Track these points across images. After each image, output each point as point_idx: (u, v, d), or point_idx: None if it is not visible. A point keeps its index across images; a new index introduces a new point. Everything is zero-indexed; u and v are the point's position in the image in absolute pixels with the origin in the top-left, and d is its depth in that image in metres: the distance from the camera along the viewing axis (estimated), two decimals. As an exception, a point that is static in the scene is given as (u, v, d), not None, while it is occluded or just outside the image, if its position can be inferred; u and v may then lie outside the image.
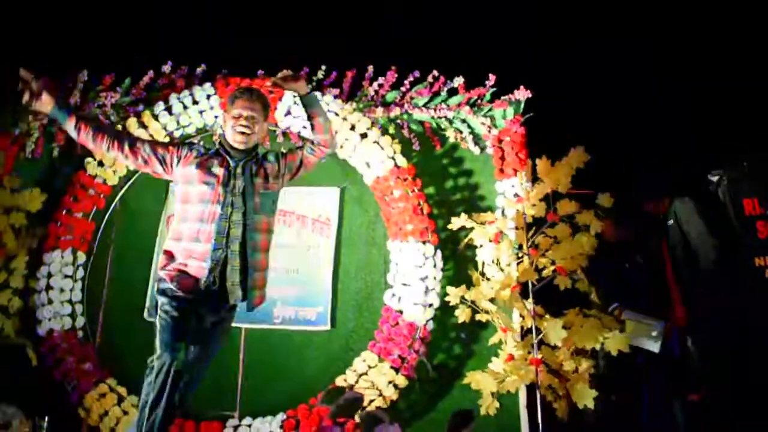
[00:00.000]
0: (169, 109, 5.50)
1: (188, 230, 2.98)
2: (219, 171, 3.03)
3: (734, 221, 4.75)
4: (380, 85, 5.47)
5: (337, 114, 5.32)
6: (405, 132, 5.40)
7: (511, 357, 4.55)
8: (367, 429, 4.18)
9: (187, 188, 3.05)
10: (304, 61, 5.57)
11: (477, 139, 5.34)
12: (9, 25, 5.77)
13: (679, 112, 5.74)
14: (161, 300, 2.97)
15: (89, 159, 5.39)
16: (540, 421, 4.45)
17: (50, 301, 5.10)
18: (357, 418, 4.36)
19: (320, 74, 5.51)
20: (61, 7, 6.10)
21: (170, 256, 2.99)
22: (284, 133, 5.53)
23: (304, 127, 5.38)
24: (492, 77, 5.26)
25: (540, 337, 4.47)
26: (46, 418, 4.59)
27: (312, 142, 3.22)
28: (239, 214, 2.99)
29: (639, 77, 5.83)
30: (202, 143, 3.39)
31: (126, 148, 3.07)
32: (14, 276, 5.05)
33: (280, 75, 3.07)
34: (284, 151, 3.27)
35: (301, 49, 5.93)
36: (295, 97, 5.35)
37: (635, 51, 5.84)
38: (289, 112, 5.42)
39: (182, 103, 5.52)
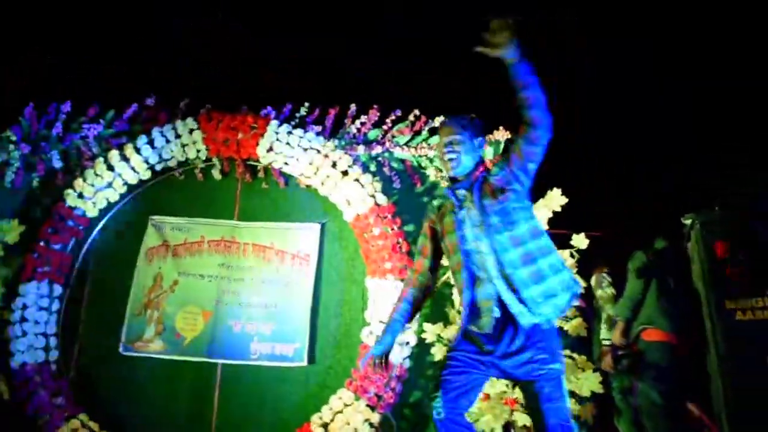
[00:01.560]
0: (151, 143, 5.52)
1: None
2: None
3: (705, 265, 4.85)
4: (362, 123, 5.54)
5: (319, 151, 5.37)
6: (386, 170, 5.46)
7: (487, 396, 4.57)
8: None
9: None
10: (287, 98, 5.67)
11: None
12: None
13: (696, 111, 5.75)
14: None
15: (69, 191, 5.37)
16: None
17: (24, 333, 5.02)
18: None
19: (303, 110, 5.58)
20: (46, 37, 6.13)
21: None
22: (266, 169, 5.56)
23: (286, 164, 5.44)
24: (471, 117, 5.33)
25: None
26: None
27: (525, 125, 2.76)
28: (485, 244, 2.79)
29: (648, 77, 5.89)
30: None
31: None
32: (-12, 307, 5.01)
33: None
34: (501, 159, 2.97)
35: (284, 84, 6.02)
36: (278, 133, 5.41)
37: (646, 50, 5.90)
38: (271, 148, 5.45)
39: (165, 136, 5.54)
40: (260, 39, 6.33)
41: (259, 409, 5.10)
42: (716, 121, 5.72)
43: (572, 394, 4.36)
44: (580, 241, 4.68)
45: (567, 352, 4.50)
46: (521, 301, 2.69)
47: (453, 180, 3.00)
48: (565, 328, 4.57)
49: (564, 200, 4.77)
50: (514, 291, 2.70)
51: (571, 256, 4.66)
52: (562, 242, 4.69)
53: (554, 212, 4.81)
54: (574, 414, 4.30)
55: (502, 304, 2.74)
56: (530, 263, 2.73)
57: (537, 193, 4.80)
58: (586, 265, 4.83)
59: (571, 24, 5.93)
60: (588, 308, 5.21)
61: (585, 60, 5.93)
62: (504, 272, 2.72)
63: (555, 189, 4.81)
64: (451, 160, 2.94)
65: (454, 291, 4.82)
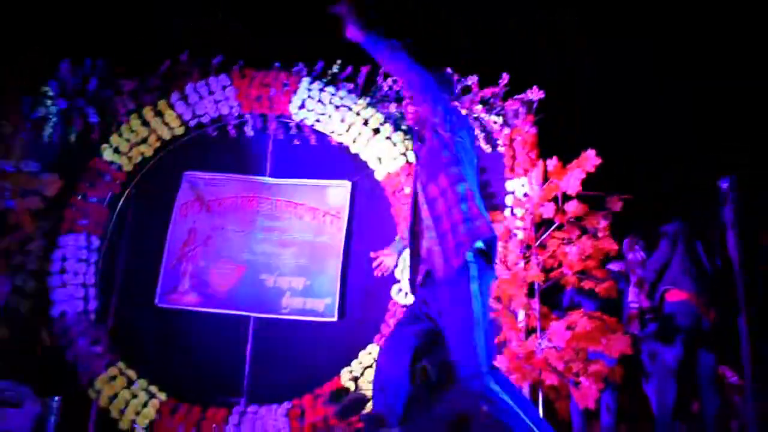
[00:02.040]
0: (185, 99, 5.56)
1: None
2: None
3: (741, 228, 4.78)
4: (395, 81, 5.50)
5: (350, 108, 5.37)
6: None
7: (515, 356, 4.60)
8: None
9: None
10: (319, 55, 5.65)
11: (488, 137, 5.37)
12: (31, 11, 5.84)
13: (696, 111, 5.70)
14: None
15: (105, 145, 5.47)
16: (541, 420, 4.52)
17: (64, 284, 5.19)
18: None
19: (335, 68, 5.57)
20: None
21: None
22: (298, 126, 5.58)
23: (318, 121, 5.45)
24: (505, 76, 5.29)
25: (544, 337, 4.53)
26: (57, 398, 4.70)
27: None
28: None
29: (648, 77, 5.81)
30: None
31: None
32: (30, 258, 5.14)
33: None
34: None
35: (317, 43, 5.98)
36: (310, 90, 5.41)
37: (646, 50, 5.82)
38: (303, 105, 5.45)
39: (198, 92, 5.57)
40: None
41: (290, 363, 5.20)
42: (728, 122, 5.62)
43: (601, 354, 4.37)
44: (615, 203, 4.63)
45: (598, 313, 4.51)
46: None
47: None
48: (596, 290, 4.56)
49: (598, 161, 4.70)
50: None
51: (604, 218, 4.62)
52: (597, 204, 4.67)
53: (588, 173, 4.75)
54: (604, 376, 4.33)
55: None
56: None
57: (570, 153, 4.77)
58: (619, 227, 4.79)
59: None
60: (619, 271, 5.18)
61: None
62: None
63: (589, 149, 4.74)
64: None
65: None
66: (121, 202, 5.58)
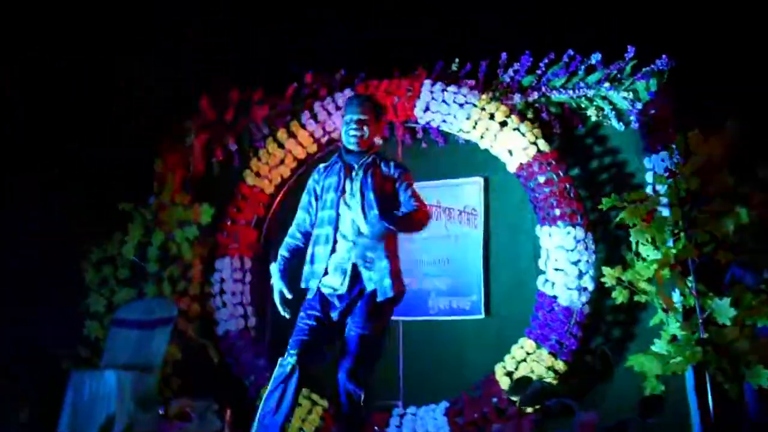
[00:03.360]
0: (314, 117, 5.79)
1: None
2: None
3: None
4: (516, 71, 5.45)
5: (475, 105, 5.37)
6: (545, 116, 5.35)
7: (675, 338, 4.41)
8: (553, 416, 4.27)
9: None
10: (437, 56, 5.70)
11: (620, 115, 5.18)
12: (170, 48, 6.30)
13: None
14: None
15: (247, 170, 5.81)
16: (711, 403, 4.30)
17: (224, 304, 5.58)
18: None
19: (454, 66, 5.60)
20: (213, 35, 6.51)
21: None
22: (424, 129, 5.66)
23: (444, 121, 5.49)
24: (631, 49, 5.08)
25: (705, 315, 4.32)
26: (229, 411, 5.03)
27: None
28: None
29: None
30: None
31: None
32: (192, 284, 5.56)
33: None
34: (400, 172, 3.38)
35: (433, 44, 6.04)
36: (433, 92, 5.48)
37: None
38: (428, 108, 5.53)
39: (326, 109, 5.79)
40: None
41: (442, 363, 5.27)
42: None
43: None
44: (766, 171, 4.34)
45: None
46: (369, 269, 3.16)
47: (345, 148, 3.38)
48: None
49: (743, 129, 4.43)
50: (366, 259, 3.16)
51: (756, 187, 4.34)
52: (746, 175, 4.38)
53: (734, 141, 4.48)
54: None
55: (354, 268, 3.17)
56: (382, 242, 3.14)
57: (710, 122, 4.52)
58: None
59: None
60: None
61: None
62: (360, 240, 3.16)
63: (734, 118, 4.47)
64: (354, 137, 3.32)
65: (631, 231, 4.64)
66: (266, 222, 5.90)
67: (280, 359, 3.12)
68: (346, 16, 6.42)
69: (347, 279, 3.17)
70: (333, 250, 3.24)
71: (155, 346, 4.85)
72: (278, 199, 5.92)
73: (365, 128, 3.34)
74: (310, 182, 3.48)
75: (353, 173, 3.30)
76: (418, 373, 5.31)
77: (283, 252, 3.53)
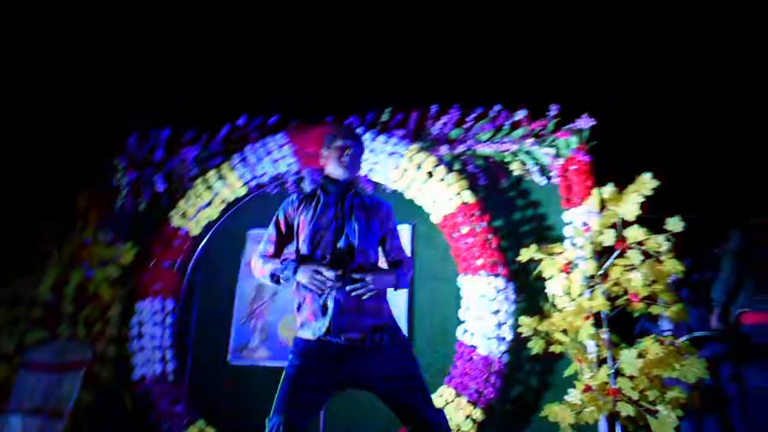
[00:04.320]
0: (245, 160, 5.80)
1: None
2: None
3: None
4: (444, 124, 5.60)
5: (403, 155, 5.48)
6: (470, 168, 5.50)
7: (588, 387, 4.50)
8: None
9: None
10: (369, 105, 5.82)
11: (542, 170, 5.38)
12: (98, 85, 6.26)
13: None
14: None
15: (173, 212, 5.75)
16: (621, 452, 4.40)
17: (142, 348, 5.43)
18: None
19: (385, 116, 5.73)
20: (142, 71, 6.53)
21: None
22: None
23: (371, 170, 5.58)
24: (554, 107, 5.32)
25: (616, 366, 4.43)
26: (143, 459, 4.88)
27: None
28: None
29: (704, 97, 5.70)
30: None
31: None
32: (110, 325, 5.41)
33: None
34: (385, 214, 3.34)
35: (366, 93, 6.17)
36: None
37: (698, 70, 5.72)
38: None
39: (257, 153, 5.81)
40: (336, 49, 6.51)
41: (364, 412, 5.23)
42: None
43: (677, 380, 4.24)
44: (675, 224, 4.53)
45: (670, 337, 4.39)
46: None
47: (328, 178, 3.24)
48: (666, 314, 4.44)
49: (655, 183, 4.63)
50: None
51: (667, 240, 4.53)
52: (656, 226, 4.58)
53: (647, 197, 4.67)
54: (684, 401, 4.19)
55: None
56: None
57: (626, 178, 4.72)
58: (684, 248, 4.67)
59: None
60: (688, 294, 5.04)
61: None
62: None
63: (645, 173, 4.68)
64: (347, 164, 3.19)
65: (548, 283, 4.77)
66: (190, 264, 5.82)
67: None
68: (283, 61, 6.52)
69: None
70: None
71: (66, 391, 4.70)
72: (204, 241, 5.86)
73: (358, 157, 3.28)
74: (280, 214, 3.26)
75: (338, 204, 3.16)
76: (340, 419, 5.25)
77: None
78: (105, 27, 6.32)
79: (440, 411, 3.05)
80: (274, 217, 3.27)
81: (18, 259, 5.51)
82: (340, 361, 2.94)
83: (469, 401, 4.84)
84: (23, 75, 5.87)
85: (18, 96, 5.90)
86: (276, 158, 5.80)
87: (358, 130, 5.65)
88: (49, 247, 5.56)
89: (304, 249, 3.08)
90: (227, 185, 5.80)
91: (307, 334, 3.00)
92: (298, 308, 3.08)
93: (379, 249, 3.29)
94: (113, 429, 5.16)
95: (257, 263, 3.21)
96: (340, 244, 3.03)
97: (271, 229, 3.26)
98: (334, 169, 3.22)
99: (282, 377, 2.94)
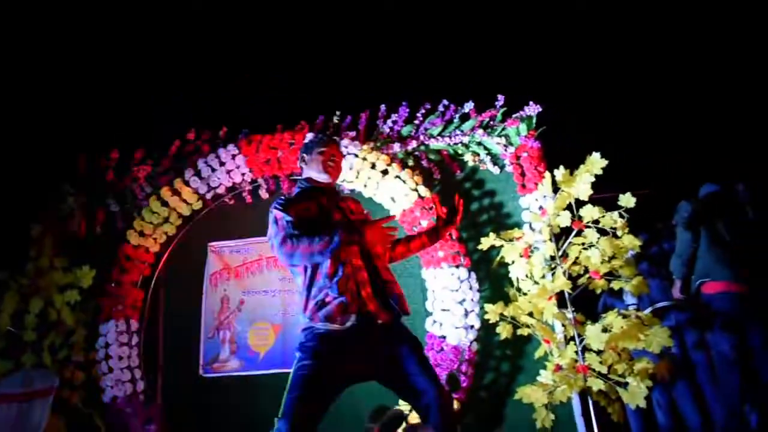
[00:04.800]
0: (198, 174, 5.77)
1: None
2: None
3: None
4: (394, 122, 5.66)
5: (356, 155, 5.52)
6: (424, 163, 5.57)
7: (558, 367, 4.60)
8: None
9: None
10: (318, 110, 5.85)
11: (495, 159, 5.49)
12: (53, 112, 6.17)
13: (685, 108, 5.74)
14: None
15: (130, 231, 5.67)
16: (596, 428, 4.50)
17: (111, 369, 5.34)
18: None
19: (335, 119, 5.76)
20: (87, 96, 6.45)
21: None
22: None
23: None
24: (501, 98, 5.42)
25: (583, 344, 4.54)
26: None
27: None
28: None
29: (643, 75, 5.87)
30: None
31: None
32: (75, 350, 5.31)
33: None
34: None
35: (314, 99, 6.20)
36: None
37: (636, 50, 5.89)
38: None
39: (210, 166, 5.78)
40: (280, 57, 6.53)
41: (338, 412, 5.23)
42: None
43: (644, 352, 4.36)
44: (628, 200, 4.67)
45: (632, 310, 4.51)
46: None
47: (311, 182, 3.30)
48: (627, 288, 4.56)
49: (604, 163, 4.76)
50: None
51: (621, 216, 4.65)
52: (610, 204, 4.71)
53: (596, 176, 4.80)
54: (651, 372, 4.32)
55: None
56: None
57: (576, 160, 4.84)
58: (636, 224, 4.81)
59: None
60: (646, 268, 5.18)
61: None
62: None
63: (594, 153, 4.80)
64: (333, 170, 3.28)
65: (511, 268, 4.86)
66: (152, 282, 5.76)
67: None
68: (228, 73, 6.51)
69: None
70: None
71: (35, 419, 4.60)
72: (164, 257, 5.80)
73: (340, 162, 3.36)
74: (281, 209, 3.06)
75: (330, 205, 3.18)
76: (324, 424, 5.24)
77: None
78: (51, 49, 6.23)
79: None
80: (278, 213, 3.06)
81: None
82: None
83: (443, 392, 4.88)
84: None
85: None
86: (230, 169, 5.78)
87: (309, 135, 5.67)
88: (3, 277, 5.42)
89: None
90: (183, 200, 5.74)
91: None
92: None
93: None
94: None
95: (296, 242, 2.94)
96: None
97: (286, 219, 3.03)
98: (317, 174, 3.28)
99: None
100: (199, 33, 6.63)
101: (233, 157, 5.77)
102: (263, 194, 5.81)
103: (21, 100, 6.06)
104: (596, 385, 4.47)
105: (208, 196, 5.82)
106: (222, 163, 5.78)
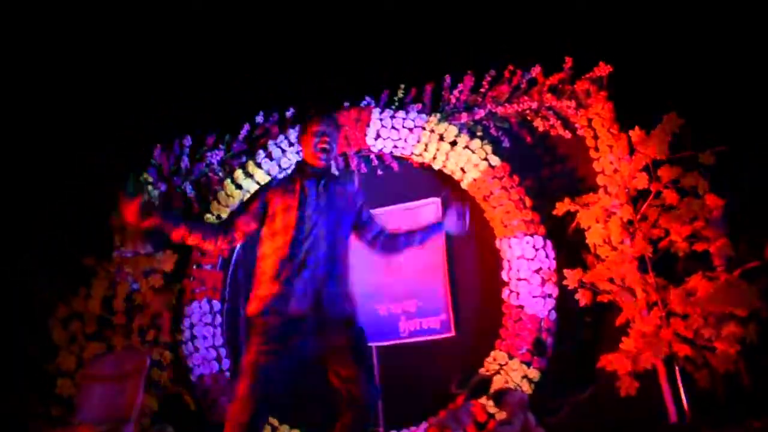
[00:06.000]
0: (269, 155, 5.86)
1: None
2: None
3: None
4: (460, 92, 5.59)
5: (424, 128, 5.49)
6: (493, 131, 5.48)
7: (642, 333, 4.49)
8: (499, 402, 4.43)
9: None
10: (384, 85, 5.83)
11: (565, 124, 5.34)
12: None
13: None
14: None
15: (207, 215, 5.83)
16: (683, 394, 4.39)
17: (197, 349, 5.55)
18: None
19: (400, 93, 5.73)
20: (159, 87, 6.62)
21: None
22: (378, 156, 5.75)
23: (395, 147, 5.60)
24: (568, 59, 5.27)
25: (667, 308, 4.41)
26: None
27: (379, 234, 3.18)
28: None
29: (717, 28, 5.57)
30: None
31: (229, 234, 3.09)
32: (162, 332, 5.52)
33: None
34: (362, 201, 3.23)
35: (378, 73, 6.18)
36: (382, 119, 5.59)
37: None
38: (378, 136, 5.63)
39: (280, 147, 5.87)
40: (343, 32, 6.52)
41: (419, 384, 5.28)
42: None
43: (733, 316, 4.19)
44: (708, 158, 4.49)
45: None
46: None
47: (304, 164, 3.11)
48: (710, 250, 4.39)
49: (681, 121, 4.59)
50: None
51: (701, 175, 4.48)
52: (688, 164, 4.54)
53: (674, 134, 4.62)
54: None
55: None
56: (344, 261, 2.98)
57: (649, 120, 4.68)
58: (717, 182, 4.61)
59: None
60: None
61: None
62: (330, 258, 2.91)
63: (671, 112, 4.63)
64: (323, 150, 3.05)
65: (587, 234, 4.76)
66: (232, 263, 5.92)
67: None
68: (292, 55, 6.56)
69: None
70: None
71: (128, 398, 4.78)
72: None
73: (333, 143, 3.11)
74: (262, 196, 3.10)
75: (317, 191, 3.02)
76: (397, 396, 5.29)
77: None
78: (127, 43, 6.44)
79: None
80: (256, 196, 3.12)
81: (65, 278, 5.63)
82: None
83: (522, 362, 4.86)
84: (48, 99, 6.00)
85: (44, 129, 6.06)
86: (299, 149, 5.83)
87: (375, 111, 5.67)
88: (92, 264, 5.65)
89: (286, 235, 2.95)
90: (255, 181, 5.86)
91: None
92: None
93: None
94: (180, 430, 5.26)
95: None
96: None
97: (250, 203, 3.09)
98: (310, 158, 3.10)
99: None
100: (262, 18, 6.70)
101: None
102: (333, 171, 5.84)
103: (102, 95, 6.28)
104: (682, 350, 4.35)
105: (280, 176, 5.91)
106: (291, 144, 5.86)
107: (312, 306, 2.85)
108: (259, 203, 3.06)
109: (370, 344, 5.22)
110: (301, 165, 3.14)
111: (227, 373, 5.56)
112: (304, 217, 2.94)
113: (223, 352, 5.63)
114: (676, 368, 4.43)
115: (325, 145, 3.05)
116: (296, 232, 2.91)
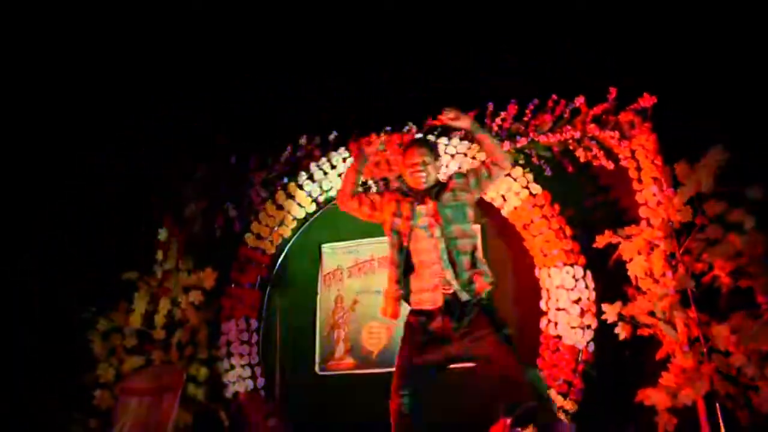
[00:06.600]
0: (311, 177, 5.94)
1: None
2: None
3: None
4: (503, 120, 5.60)
5: (465, 155, 5.52)
6: (534, 160, 5.47)
7: (682, 368, 4.41)
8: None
9: None
10: (423, 112, 5.86)
11: (608, 154, 5.31)
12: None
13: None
14: None
15: (248, 234, 5.92)
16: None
17: (232, 367, 5.60)
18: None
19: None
20: (203, 107, 6.76)
21: None
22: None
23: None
24: (613, 90, 5.26)
25: (709, 344, 4.33)
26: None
27: (493, 165, 3.57)
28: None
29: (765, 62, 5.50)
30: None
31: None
32: (199, 348, 5.59)
33: (444, 115, 3.59)
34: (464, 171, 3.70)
35: (421, 99, 6.21)
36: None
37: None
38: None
39: (322, 169, 5.94)
40: (387, 57, 6.59)
41: (455, 411, 5.22)
42: None
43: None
44: (755, 193, 4.42)
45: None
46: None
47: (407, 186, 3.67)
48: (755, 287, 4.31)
49: (727, 155, 4.53)
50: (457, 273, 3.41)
51: (749, 210, 4.40)
52: (734, 198, 4.47)
53: (720, 169, 4.57)
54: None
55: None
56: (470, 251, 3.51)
57: (694, 153, 4.63)
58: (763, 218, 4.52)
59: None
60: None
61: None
62: (451, 257, 3.41)
63: (716, 145, 4.58)
64: (421, 178, 3.56)
65: (629, 266, 4.71)
66: (270, 283, 5.99)
67: None
68: (335, 77, 6.65)
69: None
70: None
71: (164, 413, 4.86)
72: (280, 259, 6.02)
73: (429, 168, 3.57)
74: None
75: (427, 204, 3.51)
76: (432, 424, 5.26)
77: None
78: (178, 60, 6.60)
79: None
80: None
81: (106, 292, 5.74)
82: None
83: (559, 393, 4.80)
84: (92, 122, 6.19)
85: (84, 149, 6.25)
86: (341, 172, 5.91)
87: (418, 135, 5.71)
88: (134, 278, 5.76)
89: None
90: (297, 203, 5.93)
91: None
92: None
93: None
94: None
95: None
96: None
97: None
98: (412, 182, 3.60)
99: None
100: (303, 38, 6.81)
101: (344, 160, 5.91)
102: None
103: (146, 114, 6.44)
104: (723, 388, 4.26)
105: (321, 198, 5.98)
106: (333, 167, 5.93)
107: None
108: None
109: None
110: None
111: (261, 392, 5.59)
112: None
113: (258, 370, 5.66)
114: (717, 406, 4.33)
115: (422, 173, 3.57)
116: None
